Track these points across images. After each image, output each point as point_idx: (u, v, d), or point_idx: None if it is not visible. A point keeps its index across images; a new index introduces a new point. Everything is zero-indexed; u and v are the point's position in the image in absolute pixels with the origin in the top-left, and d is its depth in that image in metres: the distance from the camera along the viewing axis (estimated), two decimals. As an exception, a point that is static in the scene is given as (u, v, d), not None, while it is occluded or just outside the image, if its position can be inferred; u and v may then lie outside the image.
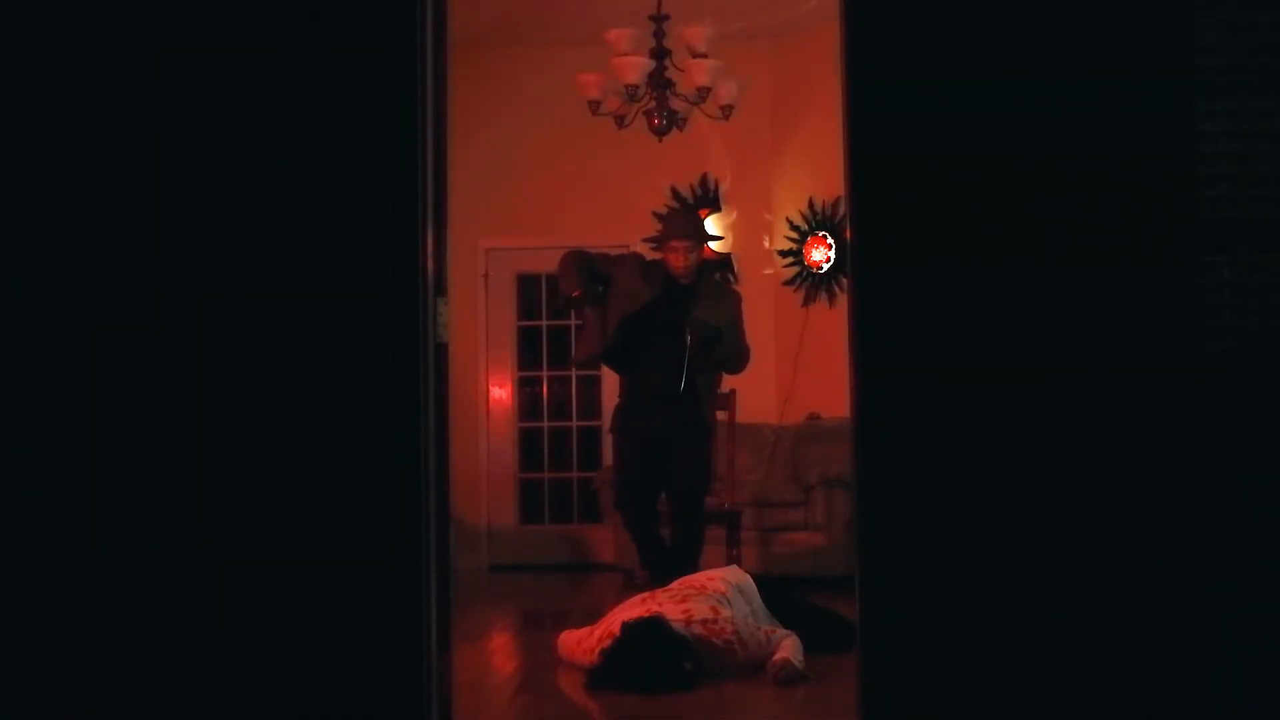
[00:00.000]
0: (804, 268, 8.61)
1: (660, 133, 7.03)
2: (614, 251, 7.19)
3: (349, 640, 3.37)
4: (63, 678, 3.41)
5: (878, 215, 3.39)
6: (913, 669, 3.32)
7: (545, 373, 8.96)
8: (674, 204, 8.80)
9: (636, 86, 6.70)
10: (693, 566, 6.36)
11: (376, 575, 3.38)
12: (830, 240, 8.47)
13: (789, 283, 8.69)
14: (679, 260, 6.38)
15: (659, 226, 6.76)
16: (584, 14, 7.75)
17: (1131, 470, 3.29)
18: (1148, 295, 3.30)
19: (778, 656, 4.99)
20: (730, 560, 6.57)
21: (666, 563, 6.36)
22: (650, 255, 6.63)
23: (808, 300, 8.58)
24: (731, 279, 7.25)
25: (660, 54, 6.88)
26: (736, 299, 6.63)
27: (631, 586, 6.64)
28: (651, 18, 6.89)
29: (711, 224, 8.76)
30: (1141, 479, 3.28)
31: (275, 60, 3.44)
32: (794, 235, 8.67)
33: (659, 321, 6.35)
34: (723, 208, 8.80)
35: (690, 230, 6.47)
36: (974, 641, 3.30)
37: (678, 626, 4.97)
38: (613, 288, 6.43)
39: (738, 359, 6.55)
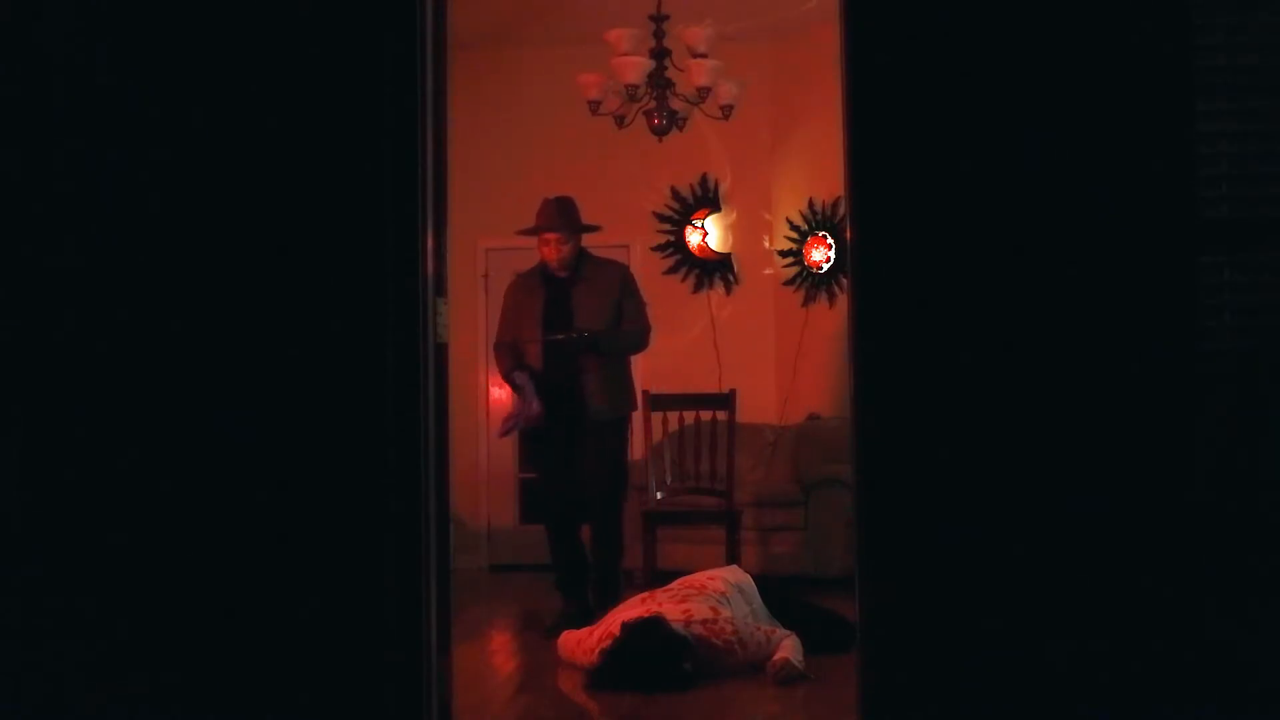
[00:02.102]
0: (804, 268, 8.61)
1: (660, 133, 7.03)
2: (612, 251, 7.20)
3: (349, 640, 3.37)
4: (64, 676, 3.41)
5: (878, 215, 3.39)
6: (913, 669, 3.32)
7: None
8: (673, 204, 8.81)
9: (636, 86, 6.70)
10: (614, 572, 6.37)
11: (376, 575, 3.38)
12: (830, 240, 8.47)
13: (789, 283, 8.69)
14: (551, 252, 6.31)
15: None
16: (584, 14, 7.75)
17: (1132, 470, 3.29)
18: (1148, 295, 3.30)
19: (778, 656, 5.00)
20: (730, 560, 6.56)
21: (579, 579, 6.32)
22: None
23: (808, 300, 8.58)
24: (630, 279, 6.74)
25: (660, 54, 6.87)
26: (618, 271, 6.48)
27: (631, 586, 6.64)
28: (651, 18, 6.89)
29: (711, 223, 8.76)
30: (1142, 479, 3.28)
31: (275, 60, 3.44)
32: (794, 235, 8.67)
33: (547, 320, 6.31)
34: (723, 208, 8.80)
35: (561, 221, 6.31)
36: (974, 641, 3.30)
37: (678, 626, 4.97)
38: (508, 311, 6.43)
39: (634, 342, 6.45)
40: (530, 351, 6.33)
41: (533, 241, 6.46)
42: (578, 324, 6.26)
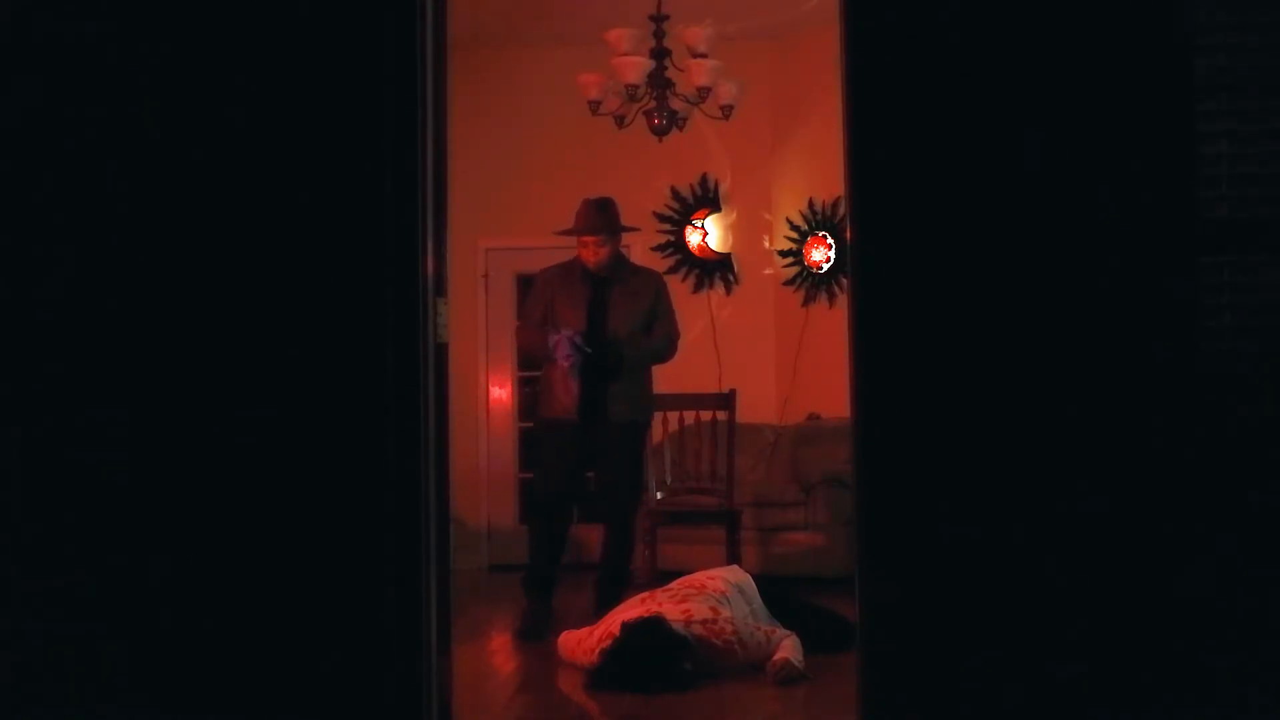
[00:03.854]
0: (804, 268, 8.61)
1: (660, 133, 7.03)
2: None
3: (349, 640, 3.37)
4: (63, 676, 3.41)
5: (878, 215, 3.39)
6: (913, 669, 3.32)
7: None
8: (673, 204, 8.80)
9: (636, 86, 6.69)
10: (622, 575, 6.36)
11: (376, 575, 3.38)
12: (830, 240, 8.47)
13: (789, 283, 8.69)
14: (591, 255, 6.27)
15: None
16: (584, 14, 7.74)
17: (1132, 470, 3.29)
18: (1148, 295, 3.30)
19: (778, 656, 5.00)
20: (730, 560, 6.57)
21: (550, 581, 6.29)
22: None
23: (808, 300, 8.58)
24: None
25: (660, 54, 6.87)
26: (654, 280, 6.48)
27: (632, 586, 6.64)
28: (651, 18, 6.89)
29: (711, 223, 8.76)
30: (1142, 479, 3.28)
31: (275, 60, 3.44)
32: (794, 235, 8.67)
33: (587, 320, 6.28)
34: (723, 208, 8.80)
35: (601, 223, 6.27)
36: (974, 641, 3.30)
37: (678, 626, 4.98)
38: (541, 297, 6.36)
39: (661, 353, 6.43)
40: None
41: (542, 243, 6.45)
42: (611, 326, 6.25)
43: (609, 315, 6.27)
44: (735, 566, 6.00)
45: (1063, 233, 3.32)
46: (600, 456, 6.33)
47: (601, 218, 6.30)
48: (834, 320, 8.09)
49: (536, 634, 6.01)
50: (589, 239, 6.27)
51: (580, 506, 6.97)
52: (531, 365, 8.59)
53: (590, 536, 8.47)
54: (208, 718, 3.39)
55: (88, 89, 3.46)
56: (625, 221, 6.43)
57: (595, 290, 6.32)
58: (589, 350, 6.16)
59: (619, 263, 6.41)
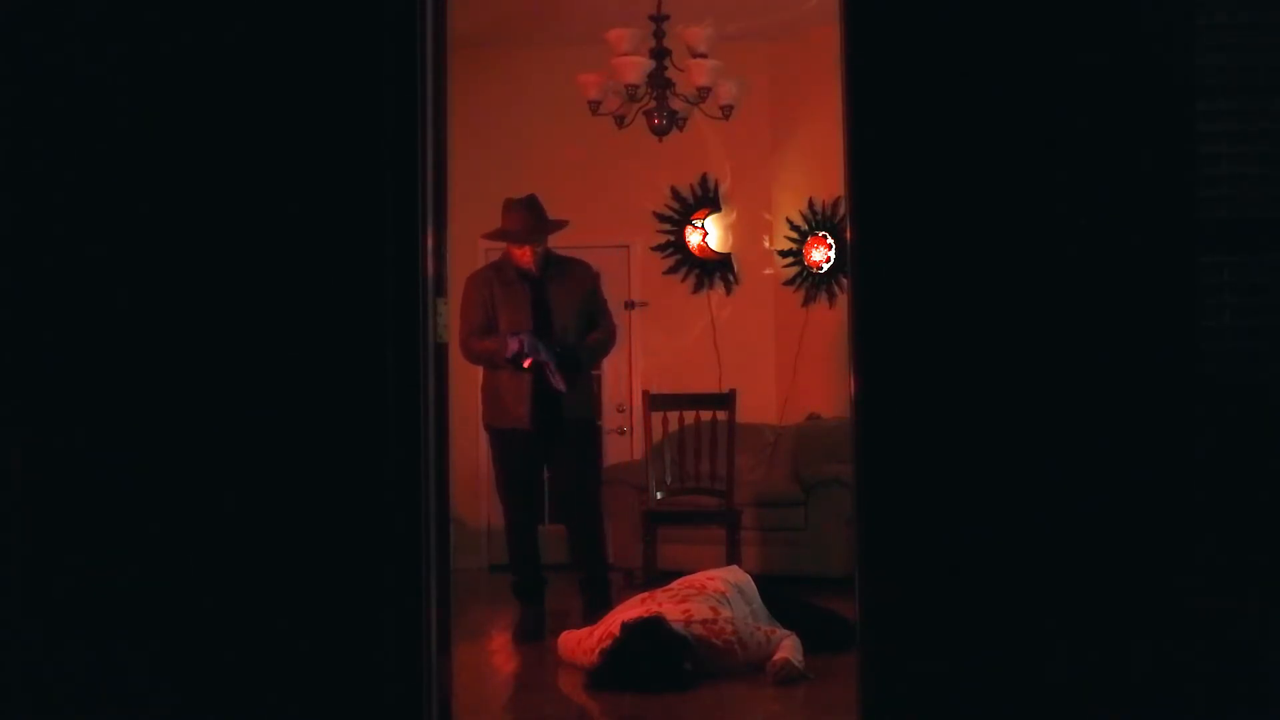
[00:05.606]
0: (804, 268, 8.60)
1: (660, 133, 7.03)
2: (613, 251, 7.17)
3: (349, 640, 3.37)
4: (63, 676, 3.41)
5: (878, 215, 3.39)
6: (913, 669, 3.32)
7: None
8: (673, 204, 8.80)
9: (636, 86, 6.69)
10: (603, 574, 6.35)
11: (376, 575, 3.38)
12: (830, 240, 8.46)
13: (789, 283, 8.68)
14: (528, 256, 6.22)
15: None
16: (584, 14, 7.74)
17: (1132, 471, 3.29)
18: (1148, 295, 3.30)
19: (778, 656, 5.00)
20: (730, 560, 6.56)
21: (537, 585, 6.29)
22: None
23: (808, 300, 8.57)
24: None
25: (660, 54, 6.87)
26: (587, 272, 6.41)
27: (631, 586, 6.64)
28: (651, 18, 6.89)
29: (711, 223, 8.76)
30: (1142, 479, 3.28)
31: (276, 60, 3.44)
32: (794, 235, 8.67)
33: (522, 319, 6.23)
34: (723, 208, 8.80)
35: (536, 227, 6.20)
36: (974, 641, 3.30)
37: (678, 626, 4.98)
38: (498, 306, 6.27)
39: (607, 349, 6.45)
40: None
41: (547, 245, 6.38)
42: (554, 324, 6.22)
43: (552, 315, 6.23)
44: (735, 567, 6.00)
45: (1063, 232, 3.32)
46: (557, 458, 6.32)
47: (536, 221, 6.23)
48: (834, 320, 8.09)
49: (534, 636, 6.01)
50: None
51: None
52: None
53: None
54: (209, 717, 3.39)
55: (89, 88, 3.46)
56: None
57: (534, 291, 6.27)
58: (558, 350, 6.13)
59: (549, 258, 6.34)
